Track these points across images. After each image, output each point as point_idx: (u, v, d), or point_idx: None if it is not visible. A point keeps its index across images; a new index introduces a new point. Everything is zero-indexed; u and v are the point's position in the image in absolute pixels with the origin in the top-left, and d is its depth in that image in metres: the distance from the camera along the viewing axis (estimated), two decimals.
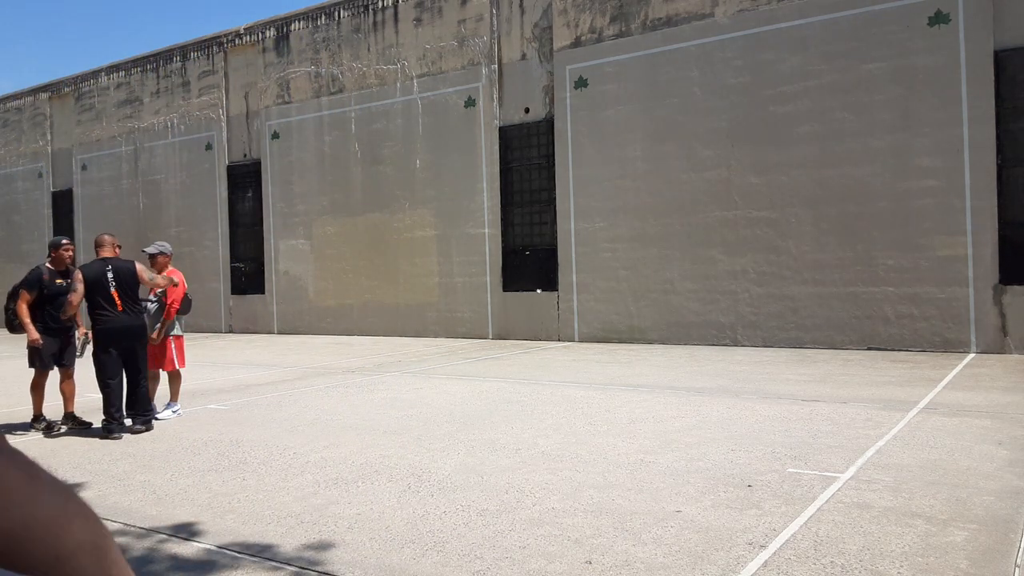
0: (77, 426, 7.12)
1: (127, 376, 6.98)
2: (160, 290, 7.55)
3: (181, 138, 20.32)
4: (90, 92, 22.63)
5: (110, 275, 6.87)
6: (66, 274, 7.20)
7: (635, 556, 3.57)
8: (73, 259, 7.48)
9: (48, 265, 7.23)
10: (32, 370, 7.23)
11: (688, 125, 13.12)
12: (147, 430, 6.88)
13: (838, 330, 11.85)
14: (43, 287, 7.06)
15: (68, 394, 7.20)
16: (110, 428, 6.73)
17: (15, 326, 7.11)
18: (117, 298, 6.85)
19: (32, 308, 7.03)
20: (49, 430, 7.03)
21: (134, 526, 4.27)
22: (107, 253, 7.02)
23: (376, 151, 16.86)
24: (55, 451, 6.31)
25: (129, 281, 6.99)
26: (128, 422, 6.92)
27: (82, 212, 22.84)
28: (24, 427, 7.26)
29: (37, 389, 7.18)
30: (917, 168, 11.31)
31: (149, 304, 7.51)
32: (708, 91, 12.95)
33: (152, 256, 7.78)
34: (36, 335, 6.94)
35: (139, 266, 7.16)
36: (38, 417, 7.18)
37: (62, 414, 7.23)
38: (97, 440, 6.67)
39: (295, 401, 8.37)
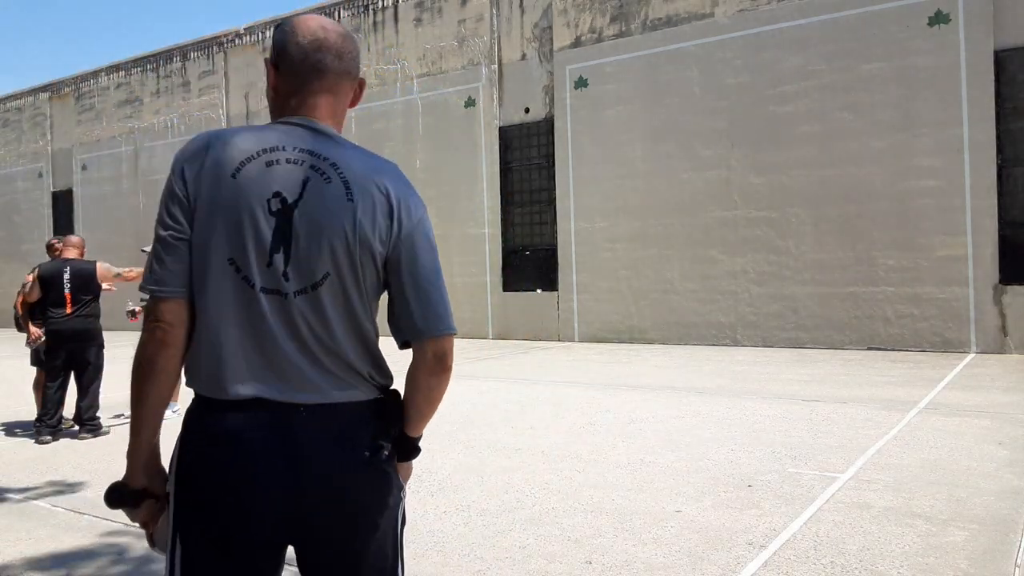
0: (68, 427, 7.13)
1: (76, 382, 6.84)
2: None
3: (181, 138, 20.30)
4: (90, 92, 22.63)
5: (67, 275, 6.69)
6: None
7: (635, 556, 3.58)
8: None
9: None
10: (34, 368, 7.24)
11: (688, 125, 13.12)
12: (93, 437, 6.75)
13: (838, 330, 11.85)
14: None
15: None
16: (39, 432, 6.66)
17: (20, 324, 7.16)
18: (69, 300, 6.65)
19: (33, 307, 7.03)
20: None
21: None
22: (71, 254, 6.87)
23: (376, 151, 16.77)
24: (56, 450, 6.31)
25: (86, 283, 6.74)
26: (75, 428, 6.87)
27: (82, 212, 22.83)
28: (27, 426, 7.26)
29: (39, 388, 7.17)
30: (917, 168, 11.31)
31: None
32: (708, 91, 12.96)
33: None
34: (37, 332, 6.94)
35: (100, 266, 6.94)
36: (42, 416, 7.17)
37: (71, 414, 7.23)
38: (98, 440, 6.67)
39: None
